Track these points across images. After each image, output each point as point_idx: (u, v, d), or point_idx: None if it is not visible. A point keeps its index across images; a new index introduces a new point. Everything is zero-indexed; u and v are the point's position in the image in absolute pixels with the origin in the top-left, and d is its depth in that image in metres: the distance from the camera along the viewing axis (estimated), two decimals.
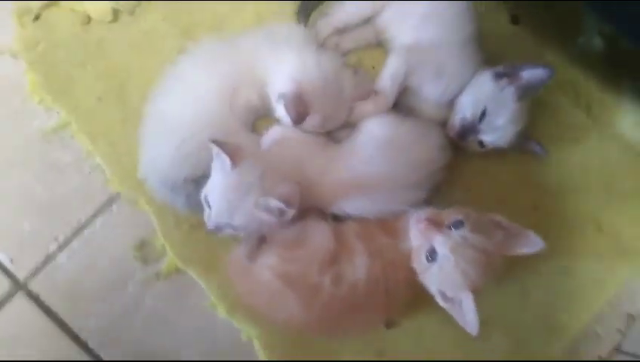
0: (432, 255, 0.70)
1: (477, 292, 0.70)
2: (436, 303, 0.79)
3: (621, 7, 0.75)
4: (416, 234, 0.73)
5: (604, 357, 0.88)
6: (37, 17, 0.92)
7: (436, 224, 0.71)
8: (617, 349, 0.88)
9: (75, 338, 0.83)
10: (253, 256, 0.78)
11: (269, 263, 0.76)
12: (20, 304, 0.84)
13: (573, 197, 0.92)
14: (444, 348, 0.86)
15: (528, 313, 0.89)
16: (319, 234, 0.78)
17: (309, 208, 0.79)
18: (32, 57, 0.91)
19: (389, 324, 0.86)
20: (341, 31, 0.92)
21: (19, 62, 0.91)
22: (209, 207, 0.74)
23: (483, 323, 0.83)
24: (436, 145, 0.83)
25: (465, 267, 0.69)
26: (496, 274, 0.74)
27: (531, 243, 0.72)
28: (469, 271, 0.69)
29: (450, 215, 0.72)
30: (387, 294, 0.77)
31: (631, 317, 0.90)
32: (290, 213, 0.73)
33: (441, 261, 0.69)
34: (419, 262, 0.72)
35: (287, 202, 0.72)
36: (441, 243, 0.69)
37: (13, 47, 0.91)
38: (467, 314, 0.70)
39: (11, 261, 0.85)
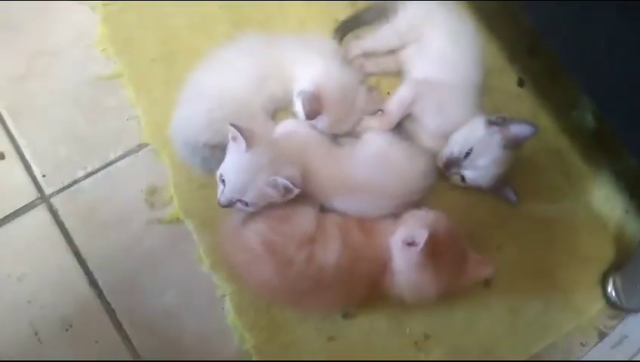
0: None
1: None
2: (389, 306, 0.90)
3: (610, 95, 0.85)
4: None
5: None
6: None
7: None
8: None
9: (77, 254, 0.95)
10: (246, 221, 0.89)
11: (257, 229, 0.86)
12: (40, 215, 0.96)
13: (535, 248, 1.01)
14: (389, 349, 0.94)
15: (471, 340, 0.96)
16: (305, 216, 0.89)
17: (303, 195, 0.91)
18: (107, 13, 1.07)
19: (346, 314, 0.95)
20: (368, 55, 1.04)
21: (95, 14, 1.07)
22: (223, 184, 0.83)
23: (427, 336, 0.95)
24: (422, 169, 0.94)
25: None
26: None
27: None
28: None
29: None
30: (350, 284, 0.87)
31: None
32: (296, 191, 0.83)
33: None
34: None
35: (293, 182, 0.82)
36: None
37: (94, 2, 1.07)
38: None
39: (43, 176, 0.98)
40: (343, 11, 1.09)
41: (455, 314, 0.97)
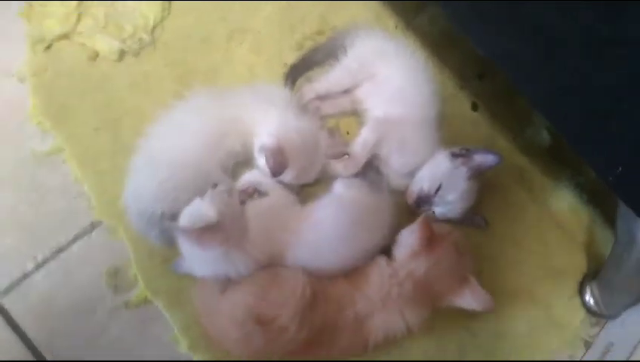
0: None
1: None
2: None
3: (561, 110, 0.87)
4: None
5: None
6: (49, 47, 0.99)
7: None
8: None
9: (37, 355, 0.86)
10: (225, 291, 0.83)
11: (243, 302, 0.80)
12: None
13: (511, 268, 1.01)
14: None
15: None
16: (293, 278, 0.83)
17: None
18: (37, 82, 0.98)
19: None
20: (322, 97, 1.01)
21: (24, 85, 0.98)
22: None
23: None
24: (389, 216, 0.91)
25: None
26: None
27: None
28: None
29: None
30: (340, 337, 0.84)
31: None
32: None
33: None
34: None
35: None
36: None
37: (21, 71, 0.99)
38: None
39: None
40: (292, 55, 1.06)
41: (445, 349, 0.96)
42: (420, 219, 0.85)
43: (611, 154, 0.81)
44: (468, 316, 0.96)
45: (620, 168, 0.79)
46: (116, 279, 0.90)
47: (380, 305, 0.84)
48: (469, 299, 0.85)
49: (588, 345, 1.00)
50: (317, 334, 0.82)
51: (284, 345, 0.81)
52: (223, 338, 0.83)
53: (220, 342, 0.84)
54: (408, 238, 0.86)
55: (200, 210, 0.80)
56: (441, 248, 0.84)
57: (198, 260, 0.82)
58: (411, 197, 0.94)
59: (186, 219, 0.80)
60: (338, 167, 0.95)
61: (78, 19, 1.00)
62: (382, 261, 0.87)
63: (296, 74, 1.05)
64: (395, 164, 0.96)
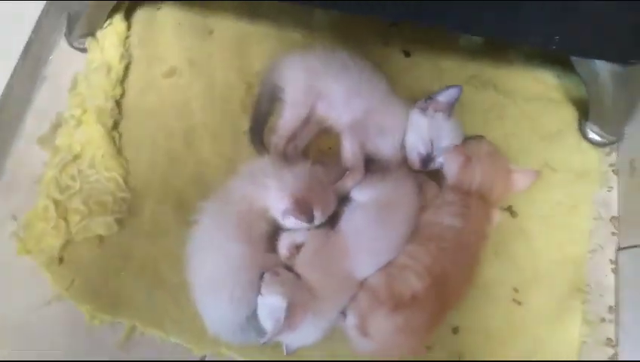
0: None
1: None
2: None
3: (478, 19, 0.94)
4: None
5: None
6: (61, 260, 1.05)
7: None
8: (620, 248, 1.06)
9: None
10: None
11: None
12: None
13: (521, 157, 1.09)
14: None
15: (543, 268, 1.04)
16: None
17: None
18: (73, 294, 1.03)
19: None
20: (292, 137, 1.09)
21: (65, 301, 1.03)
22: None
23: (516, 289, 1.03)
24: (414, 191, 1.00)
25: None
26: None
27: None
28: None
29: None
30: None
31: (615, 219, 1.09)
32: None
33: None
34: None
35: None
36: None
37: (54, 293, 1.04)
38: None
39: None
40: (245, 120, 1.13)
41: (501, 264, 1.05)
42: (452, 149, 0.99)
43: (542, 31, 0.89)
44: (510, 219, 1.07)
45: (557, 37, 0.88)
46: None
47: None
48: (520, 181, 0.98)
49: (616, 171, 1.12)
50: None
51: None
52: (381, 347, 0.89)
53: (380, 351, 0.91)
54: (450, 165, 0.98)
55: (271, 308, 0.88)
56: (480, 160, 0.97)
57: (301, 337, 0.91)
58: (415, 165, 1.03)
59: (268, 324, 0.89)
60: (346, 182, 1.02)
61: (66, 222, 1.05)
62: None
63: (258, 132, 1.12)
64: (385, 150, 1.04)
